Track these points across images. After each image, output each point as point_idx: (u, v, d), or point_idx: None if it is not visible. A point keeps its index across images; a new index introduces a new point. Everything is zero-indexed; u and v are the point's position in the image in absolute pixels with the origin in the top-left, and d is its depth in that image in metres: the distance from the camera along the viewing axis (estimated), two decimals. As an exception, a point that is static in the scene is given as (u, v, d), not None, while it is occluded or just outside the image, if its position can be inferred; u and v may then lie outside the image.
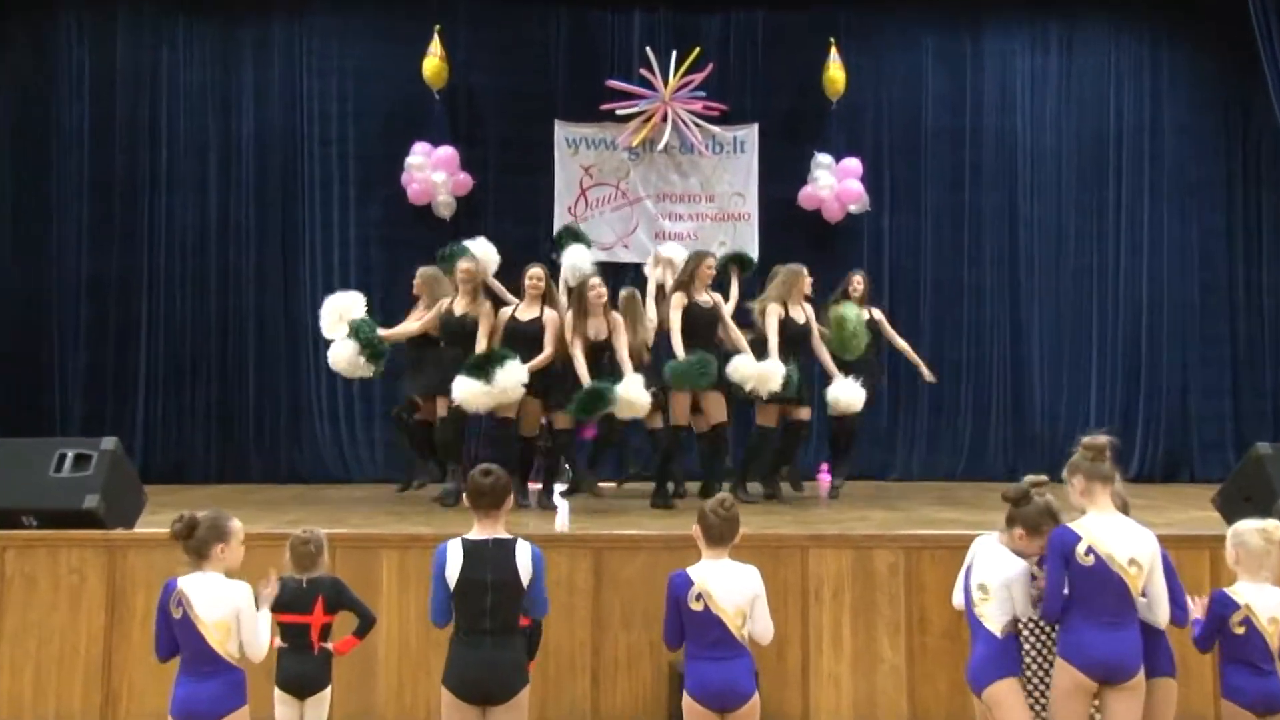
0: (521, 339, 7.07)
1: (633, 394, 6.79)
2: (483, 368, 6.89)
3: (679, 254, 8.12)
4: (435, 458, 7.66)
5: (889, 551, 5.60)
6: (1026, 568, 4.03)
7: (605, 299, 7.21)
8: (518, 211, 9.94)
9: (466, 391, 6.84)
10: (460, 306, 7.25)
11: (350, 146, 9.95)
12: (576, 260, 8.03)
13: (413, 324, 7.52)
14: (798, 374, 7.46)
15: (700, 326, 7.30)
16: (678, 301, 7.32)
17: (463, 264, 7.36)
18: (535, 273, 7.28)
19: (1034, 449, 9.86)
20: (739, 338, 7.45)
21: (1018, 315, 10.17)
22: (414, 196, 9.73)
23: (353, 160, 9.95)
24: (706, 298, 7.41)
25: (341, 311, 7.36)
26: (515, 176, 9.99)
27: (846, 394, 7.63)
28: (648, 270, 8.39)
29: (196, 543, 3.97)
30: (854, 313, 7.91)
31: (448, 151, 9.72)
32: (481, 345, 7.06)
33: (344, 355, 7.34)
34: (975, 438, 10.06)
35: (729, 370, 7.25)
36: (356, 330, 7.27)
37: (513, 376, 6.85)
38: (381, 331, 7.38)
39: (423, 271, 7.73)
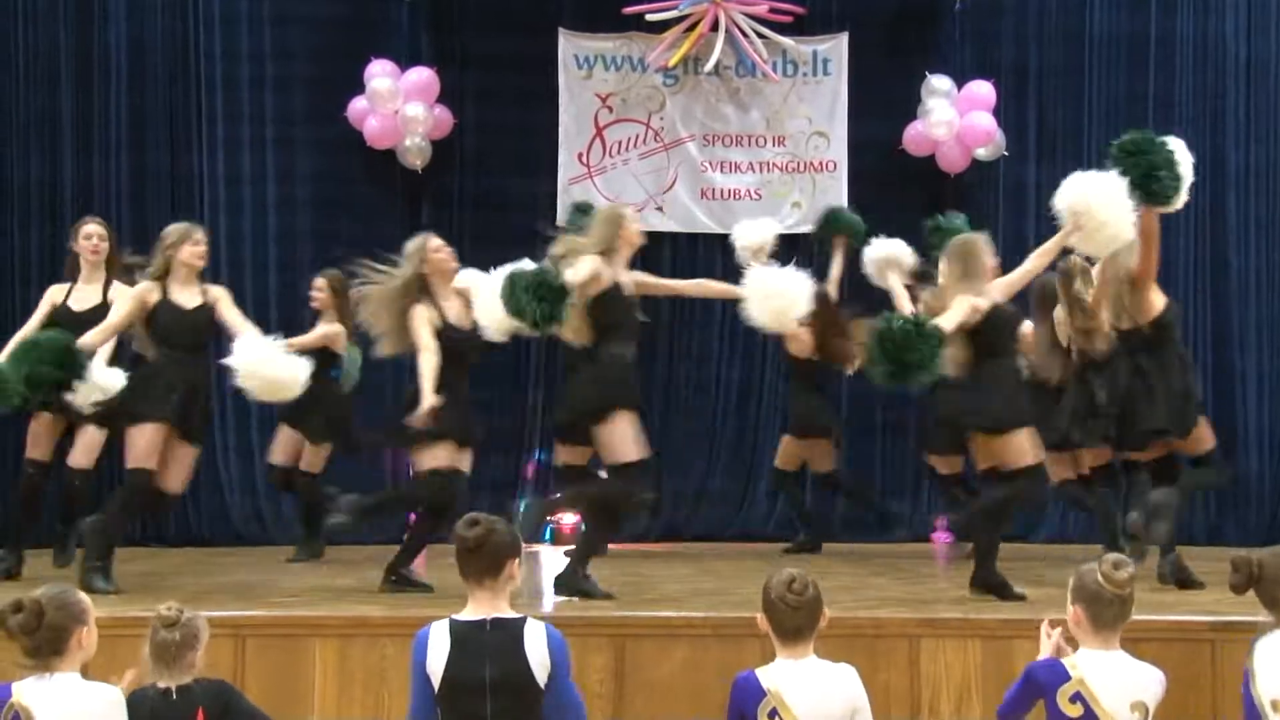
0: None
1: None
2: None
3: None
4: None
5: (1038, 644, 5.56)
6: None
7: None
8: (505, 160, 10.03)
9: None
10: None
11: (269, 66, 9.99)
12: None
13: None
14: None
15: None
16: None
17: None
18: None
19: (1247, 498, 9.81)
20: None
21: (1224, 309, 10.08)
22: (373, 138, 9.81)
23: (272, 87, 10.00)
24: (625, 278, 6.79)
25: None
26: (502, 110, 10.07)
27: None
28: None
29: (49, 633, 3.93)
30: None
31: (424, 75, 9.79)
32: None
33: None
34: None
35: None
36: None
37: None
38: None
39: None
